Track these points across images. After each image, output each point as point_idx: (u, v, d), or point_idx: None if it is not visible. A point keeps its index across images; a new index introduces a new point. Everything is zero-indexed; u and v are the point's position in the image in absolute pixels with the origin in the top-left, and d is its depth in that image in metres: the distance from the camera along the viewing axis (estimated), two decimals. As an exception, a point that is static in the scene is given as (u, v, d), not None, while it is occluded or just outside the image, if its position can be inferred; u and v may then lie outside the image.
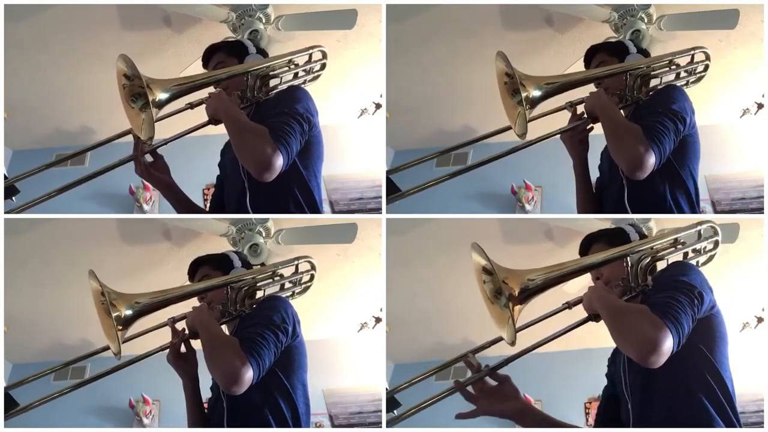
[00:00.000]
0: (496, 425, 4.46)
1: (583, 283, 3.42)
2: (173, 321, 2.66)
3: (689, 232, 2.62)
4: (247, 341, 2.54)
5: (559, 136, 2.76)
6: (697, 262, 2.63)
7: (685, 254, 2.62)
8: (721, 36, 3.99)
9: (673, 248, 2.59)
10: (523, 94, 2.61)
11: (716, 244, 2.64)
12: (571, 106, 2.75)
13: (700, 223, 2.63)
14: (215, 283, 2.70)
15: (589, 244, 2.65)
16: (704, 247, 2.64)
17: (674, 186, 2.70)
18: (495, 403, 2.47)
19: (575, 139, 2.75)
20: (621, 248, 2.55)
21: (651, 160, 2.57)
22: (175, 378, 2.80)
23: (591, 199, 2.85)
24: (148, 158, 2.85)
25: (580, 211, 2.90)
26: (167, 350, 2.67)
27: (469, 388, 2.49)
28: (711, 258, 2.65)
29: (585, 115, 2.75)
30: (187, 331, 2.65)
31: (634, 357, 2.33)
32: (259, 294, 2.76)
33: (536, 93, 2.64)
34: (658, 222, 3.74)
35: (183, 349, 2.67)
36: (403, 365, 4.40)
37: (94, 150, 3.04)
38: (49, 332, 4.33)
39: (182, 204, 2.96)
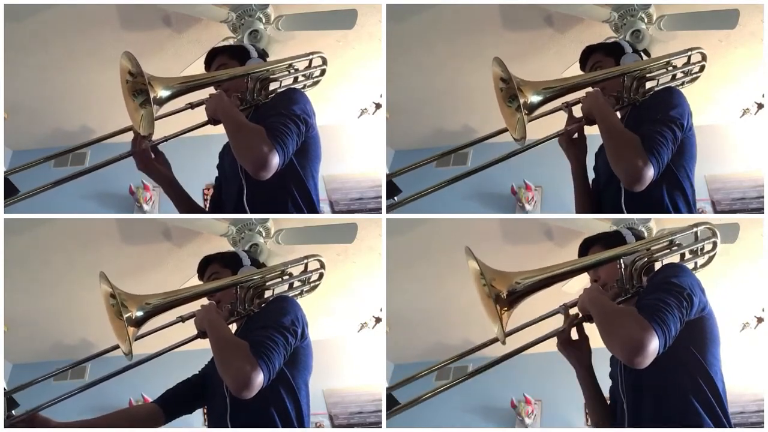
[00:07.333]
0: (496, 425, 4.46)
1: (583, 284, 3.43)
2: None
3: (685, 234, 2.61)
4: (257, 345, 2.52)
5: (556, 139, 2.73)
6: (696, 263, 2.62)
7: (682, 256, 2.61)
8: (721, 36, 3.98)
9: (668, 250, 2.59)
10: (521, 100, 2.59)
11: (714, 245, 2.62)
12: (567, 107, 2.73)
13: (697, 224, 2.62)
14: (225, 284, 2.70)
15: (587, 247, 2.66)
16: (702, 248, 2.63)
17: (671, 187, 2.69)
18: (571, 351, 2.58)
19: (572, 142, 2.73)
20: (613, 251, 2.55)
21: (649, 173, 2.56)
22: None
23: (589, 201, 2.83)
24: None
25: (578, 213, 2.88)
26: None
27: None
28: (711, 259, 2.63)
29: (582, 117, 2.72)
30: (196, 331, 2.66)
31: (620, 357, 2.35)
32: (268, 293, 2.76)
33: (534, 98, 2.62)
34: (657, 222, 3.74)
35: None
36: (403, 365, 4.40)
37: (93, 151, 3.03)
38: (49, 332, 4.32)
39: (183, 201, 2.96)
